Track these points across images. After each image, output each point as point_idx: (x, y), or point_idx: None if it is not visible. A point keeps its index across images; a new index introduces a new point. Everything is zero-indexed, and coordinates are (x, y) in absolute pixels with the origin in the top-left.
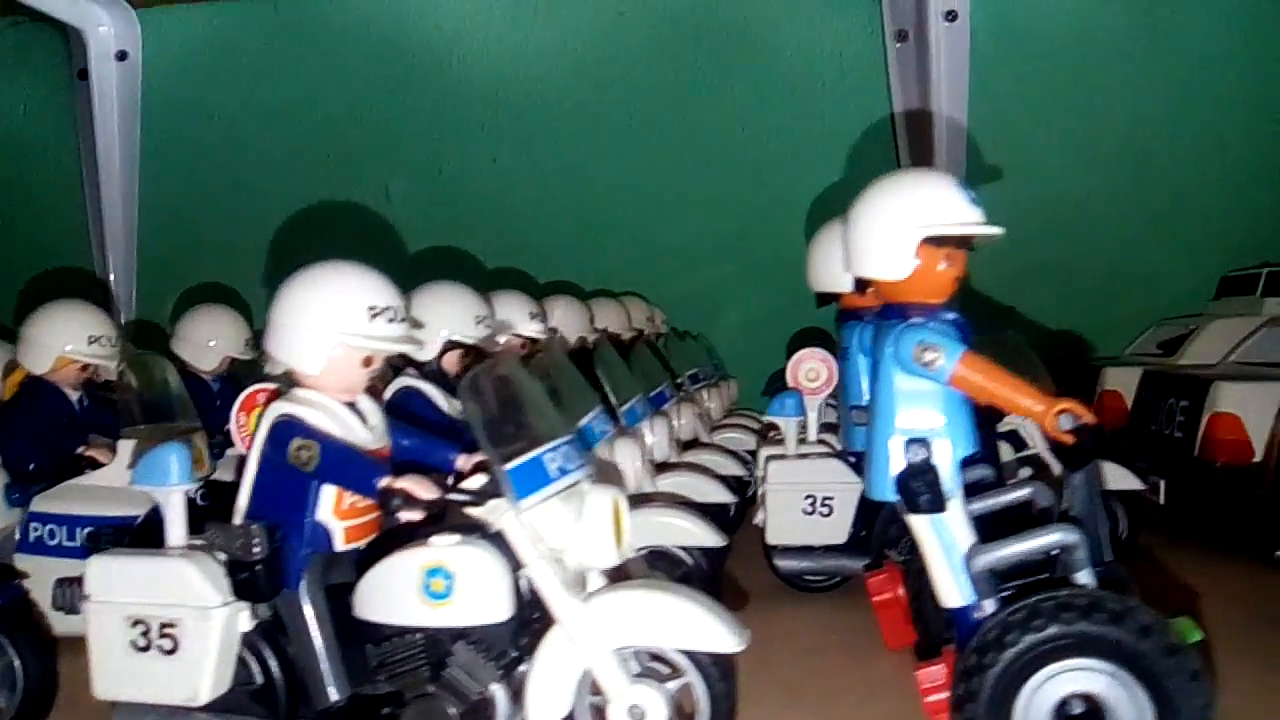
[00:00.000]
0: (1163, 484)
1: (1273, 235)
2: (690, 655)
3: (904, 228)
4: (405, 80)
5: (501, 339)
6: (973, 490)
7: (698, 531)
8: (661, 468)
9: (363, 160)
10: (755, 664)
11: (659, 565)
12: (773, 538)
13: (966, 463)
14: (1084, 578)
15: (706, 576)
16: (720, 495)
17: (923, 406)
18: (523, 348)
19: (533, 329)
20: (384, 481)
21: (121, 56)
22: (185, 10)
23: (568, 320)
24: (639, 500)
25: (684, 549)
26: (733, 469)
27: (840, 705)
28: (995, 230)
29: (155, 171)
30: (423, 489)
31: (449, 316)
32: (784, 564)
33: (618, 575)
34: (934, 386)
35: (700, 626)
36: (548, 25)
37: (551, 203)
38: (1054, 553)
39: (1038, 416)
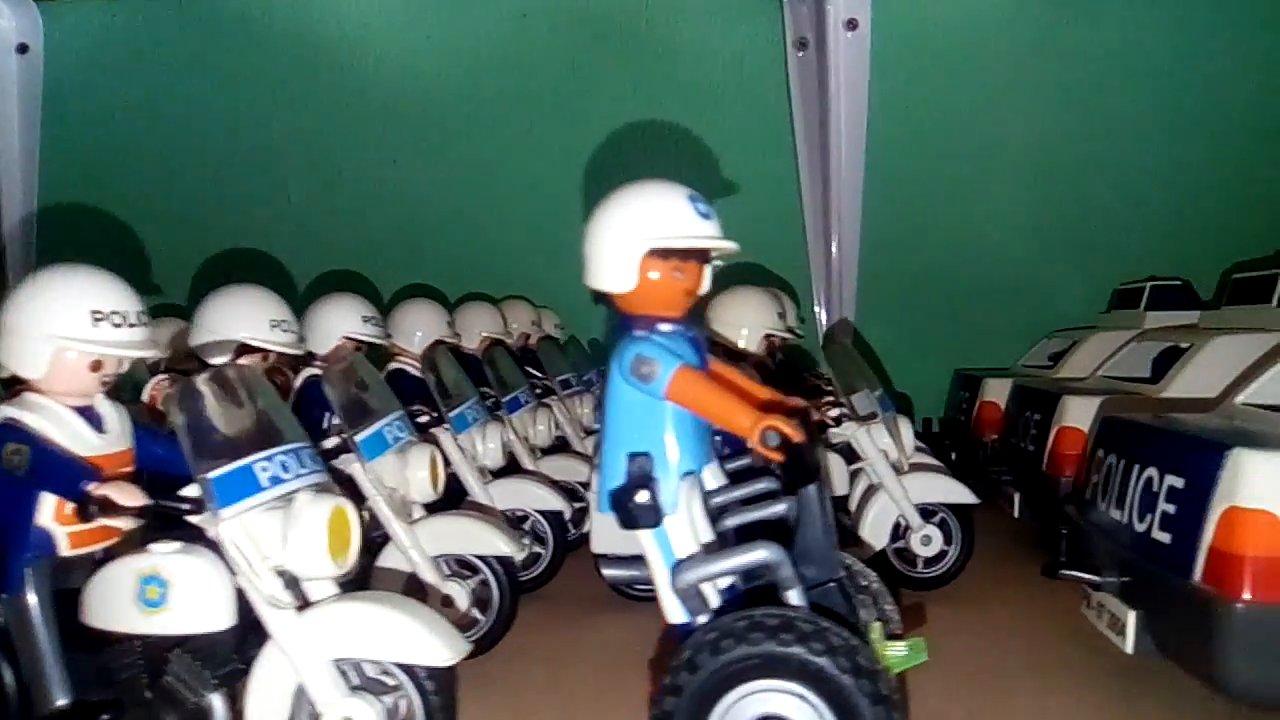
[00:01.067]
0: (1018, 497)
1: (1173, 245)
2: (406, 668)
3: (628, 240)
4: (307, 81)
5: (334, 342)
6: (754, 501)
7: (495, 540)
8: (504, 472)
9: (264, 160)
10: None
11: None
12: (596, 546)
13: (750, 473)
14: (794, 597)
15: (505, 586)
16: (551, 503)
17: (644, 420)
18: (357, 348)
19: (366, 332)
20: (89, 487)
21: (22, 49)
22: (87, 4)
23: (426, 323)
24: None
25: (481, 558)
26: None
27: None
28: (729, 245)
29: (55, 166)
30: (125, 496)
31: (240, 320)
32: (609, 572)
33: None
34: (654, 400)
35: (412, 639)
36: (449, 27)
37: (451, 206)
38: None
39: (744, 433)
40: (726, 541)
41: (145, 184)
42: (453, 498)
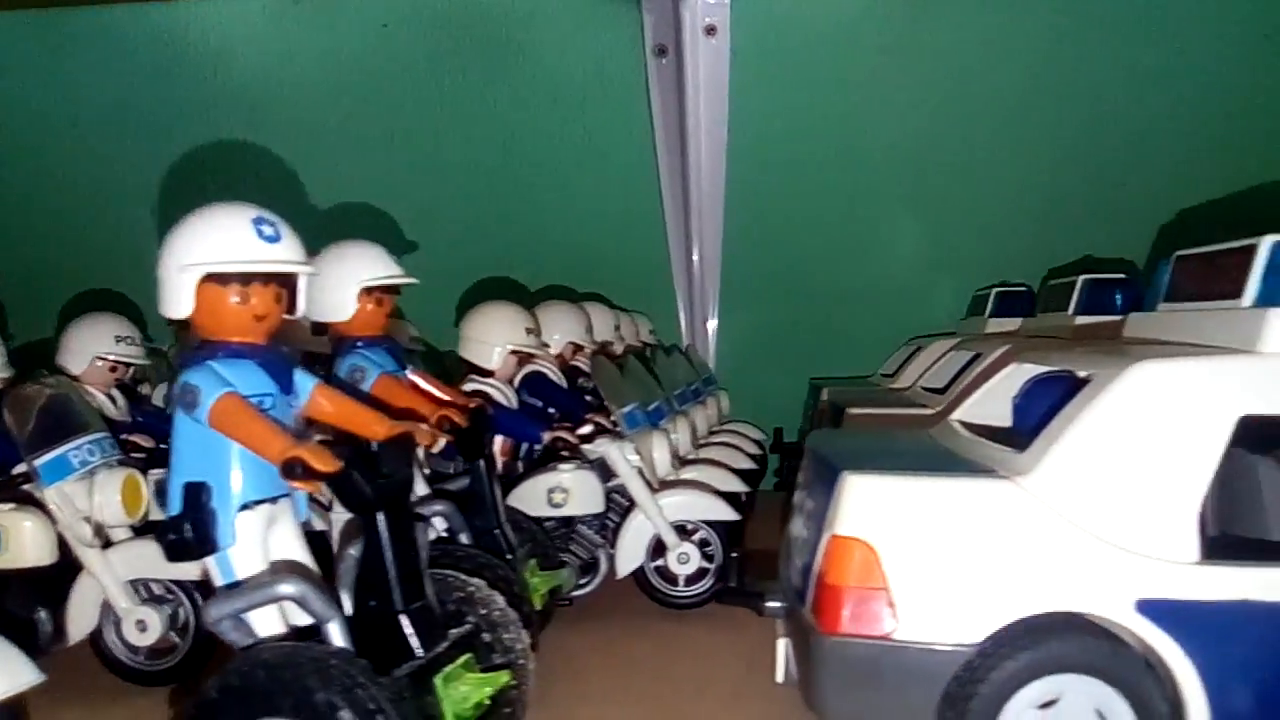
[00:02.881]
0: None
1: (1040, 249)
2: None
3: (184, 265)
4: (171, 92)
5: (85, 362)
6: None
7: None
8: None
9: (130, 173)
10: None
11: None
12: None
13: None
14: (334, 629)
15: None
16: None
17: (201, 449)
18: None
19: (119, 352)
20: None
21: None
22: None
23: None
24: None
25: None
26: None
27: None
28: (299, 268)
29: None
30: None
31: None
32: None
33: None
34: (208, 429)
35: None
36: (312, 37)
37: (312, 217)
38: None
39: (272, 460)
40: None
41: (12, 197)
42: None
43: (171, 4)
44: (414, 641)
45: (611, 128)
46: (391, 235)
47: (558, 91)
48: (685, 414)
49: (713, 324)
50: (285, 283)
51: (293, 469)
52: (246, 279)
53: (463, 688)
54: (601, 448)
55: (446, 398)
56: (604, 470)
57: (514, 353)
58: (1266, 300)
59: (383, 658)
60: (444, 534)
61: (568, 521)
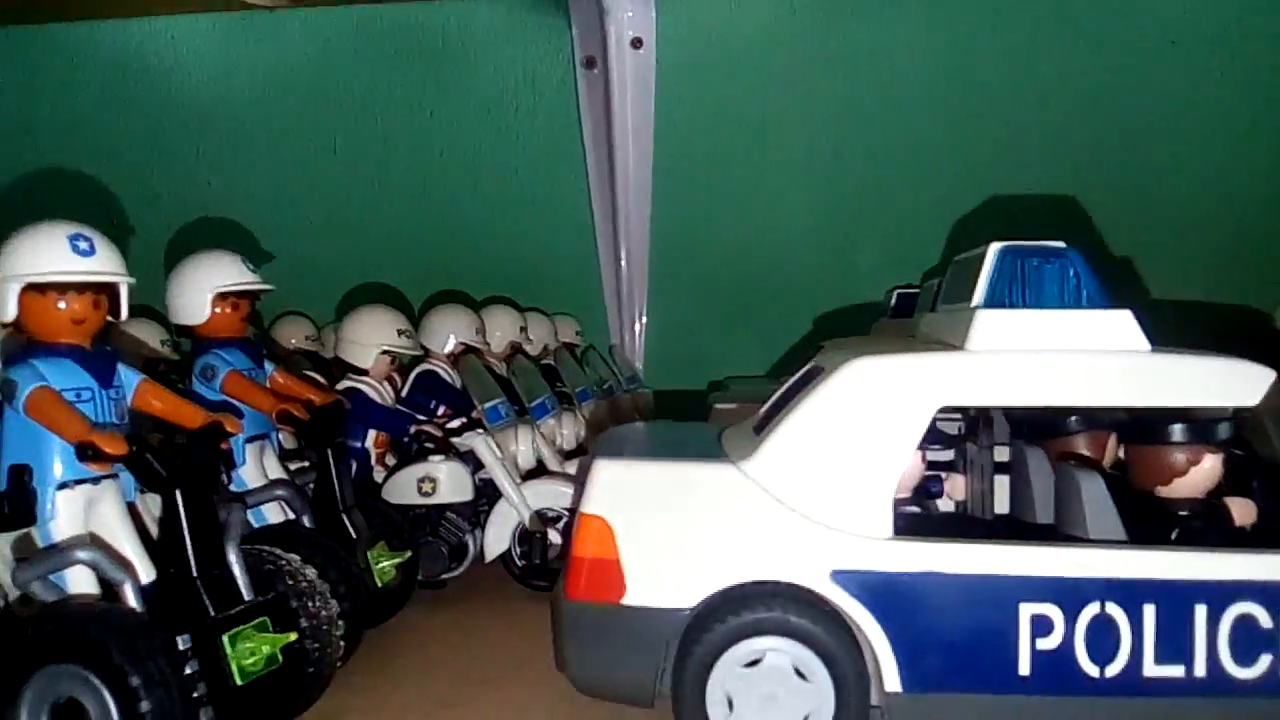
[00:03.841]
0: None
1: (948, 249)
2: None
3: (4, 277)
4: (123, 103)
5: None
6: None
7: None
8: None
9: (83, 184)
10: None
11: None
12: None
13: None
14: (127, 591)
15: None
16: None
17: (23, 435)
18: None
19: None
20: None
21: None
22: None
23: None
24: None
25: None
26: None
27: None
28: (115, 278)
29: None
30: None
31: None
32: None
33: None
34: (27, 419)
35: None
36: (259, 48)
37: (266, 223)
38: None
39: (70, 443)
40: None
41: None
42: None
43: (123, 21)
44: (205, 602)
45: (542, 136)
46: (335, 243)
47: (491, 101)
48: (575, 412)
49: (639, 325)
50: (105, 290)
51: (84, 451)
52: (62, 288)
53: (250, 643)
54: (468, 440)
55: (300, 394)
56: (476, 462)
57: (385, 352)
58: (990, 302)
59: (179, 617)
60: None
61: (439, 509)
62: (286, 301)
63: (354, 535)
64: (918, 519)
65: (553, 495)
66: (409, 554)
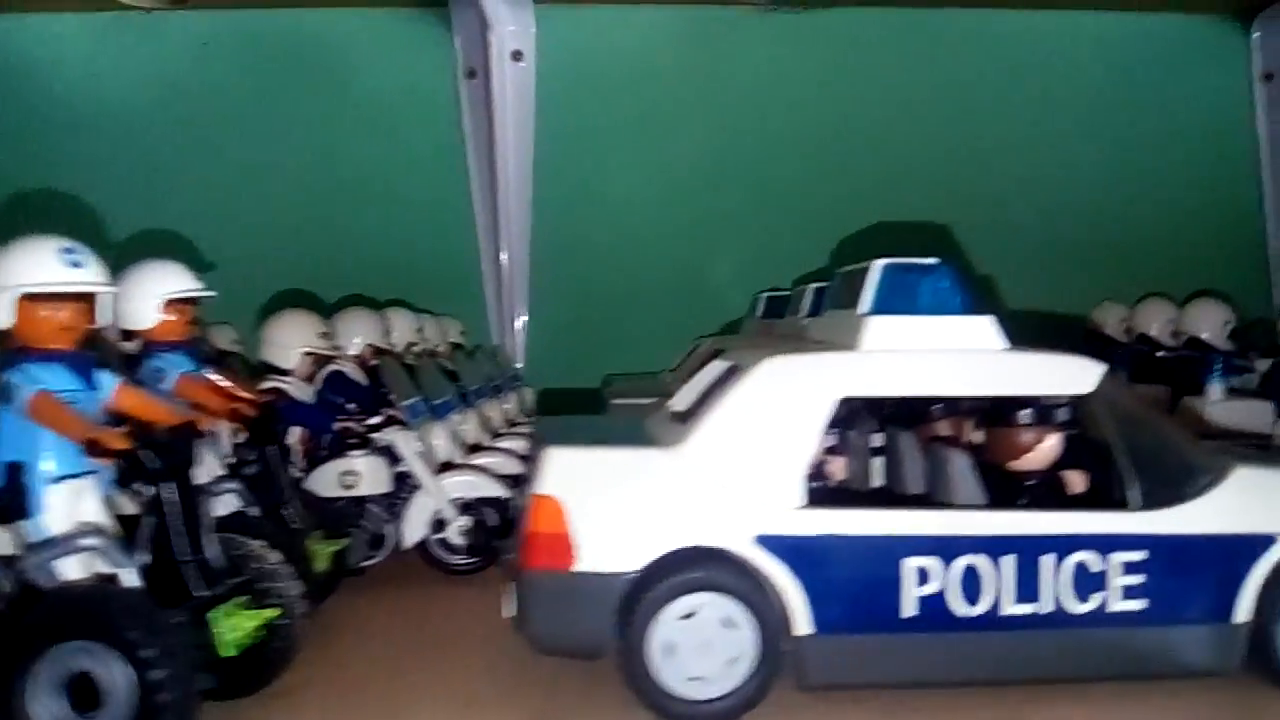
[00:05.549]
0: None
1: (818, 253)
2: None
3: (2, 287)
4: None
5: None
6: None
7: None
8: None
9: None
10: None
11: None
12: None
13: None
14: (128, 575)
15: None
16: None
17: (17, 435)
18: None
19: None
20: None
21: None
22: None
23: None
24: None
25: None
26: None
27: None
28: (100, 289)
29: None
30: None
31: None
32: None
33: None
34: (23, 419)
35: None
36: (132, 54)
37: (134, 238)
38: None
39: (77, 441)
40: None
41: None
42: None
43: None
44: (193, 584)
45: (425, 144)
46: (223, 249)
47: (373, 110)
48: (477, 408)
49: (520, 324)
50: (88, 300)
51: (92, 448)
52: (56, 298)
53: (233, 619)
54: (388, 435)
55: (242, 394)
56: (393, 456)
57: (308, 354)
58: (875, 310)
59: (169, 597)
60: (239, 509)
61: (359, 501)
62: None
63: (293, 525)
64: (818, 491)
65: (466, 485)
66: (346, 542)
